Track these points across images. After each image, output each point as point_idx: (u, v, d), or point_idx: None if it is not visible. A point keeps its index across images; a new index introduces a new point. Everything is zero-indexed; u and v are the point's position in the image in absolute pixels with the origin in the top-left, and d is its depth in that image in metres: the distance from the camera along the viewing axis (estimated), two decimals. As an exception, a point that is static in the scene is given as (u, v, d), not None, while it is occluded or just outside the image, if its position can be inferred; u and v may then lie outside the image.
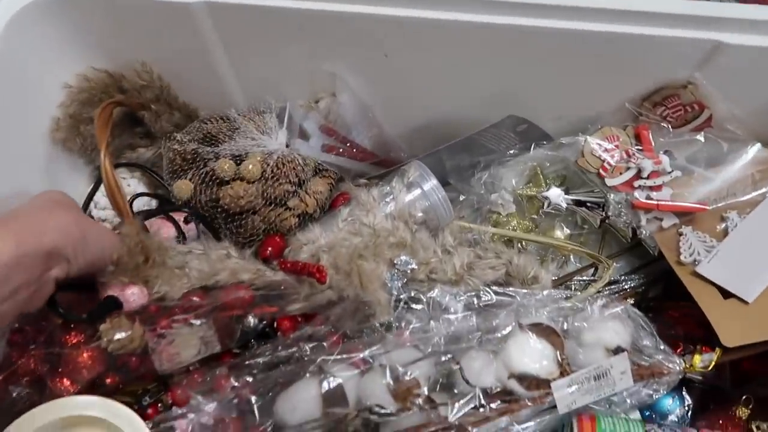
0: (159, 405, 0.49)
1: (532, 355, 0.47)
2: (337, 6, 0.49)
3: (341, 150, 0.61)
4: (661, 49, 0.49)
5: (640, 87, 0.54)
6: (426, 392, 0.45)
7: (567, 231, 0.63)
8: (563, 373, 0.47)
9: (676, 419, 0.53)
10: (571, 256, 0.63)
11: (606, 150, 0.56)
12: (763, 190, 0.53)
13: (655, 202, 0.55)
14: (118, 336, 0.43)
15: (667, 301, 0.58)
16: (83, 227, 0.42)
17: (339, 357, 0.48)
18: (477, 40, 0.50)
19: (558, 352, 0.48)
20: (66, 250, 0.40)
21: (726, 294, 0.50)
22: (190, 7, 0.50)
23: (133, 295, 0.45)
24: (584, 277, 0.60)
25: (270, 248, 0.55)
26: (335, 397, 0.44)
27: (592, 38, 0.48)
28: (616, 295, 0.59)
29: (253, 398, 0.48)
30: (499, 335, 0.49)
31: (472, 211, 0.63)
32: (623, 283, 0.60)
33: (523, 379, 0.47)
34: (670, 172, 0.55)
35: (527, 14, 0.48)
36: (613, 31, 0.47)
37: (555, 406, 0.48)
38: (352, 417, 0.44)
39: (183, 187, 0.57)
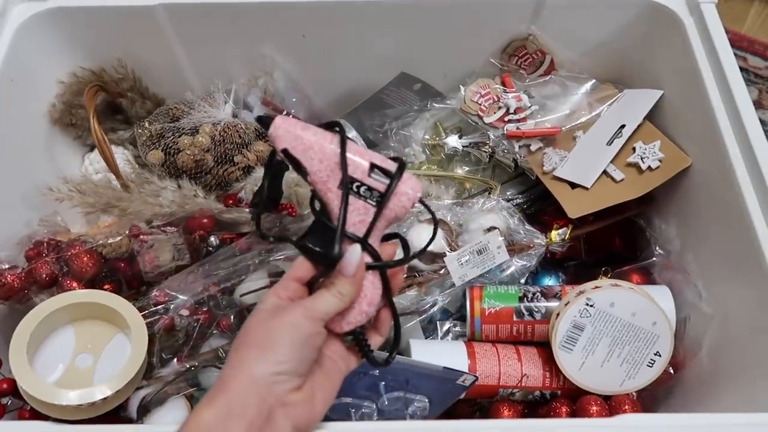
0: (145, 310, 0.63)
1: (427, 236, 0.62)
2: (260, -2, 0.66)
3: (280, 118, 0.77)
4: (499, 10, 0.66)
5: (497, 43, 0.72)
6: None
7: (466, 168, 0.79)
8: (453, 250, 0.63)
9: (554, 292, 0.68)
10: (472, 190, 0.79)
11: (481, 96, 0.73)
12: (597, 111, 0.70)
13: (522, 131, 0.72)
14: (111, 240, 0.57)
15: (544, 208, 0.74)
16: None
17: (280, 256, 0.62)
18: (370, 16, 0.68)
19: (447, 235, 0.63)
20: None
21: (573, 186, 0.66)
22: (152, 9, 0.67)
23: None
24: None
25: (230, 201, 0.71)
26: (278, 273, 0.58)
27: (443, 7, 0.66)
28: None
29: (218, 294, 0.62)
30: (405, 229, 0.64)
31: (391, 164, 0.79)
32: (512, 201, 0.76)
33: (422, 255, 0.62)
34: (530, 107, 0.72)
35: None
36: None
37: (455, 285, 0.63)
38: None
39: (156, 156, 0.72)
